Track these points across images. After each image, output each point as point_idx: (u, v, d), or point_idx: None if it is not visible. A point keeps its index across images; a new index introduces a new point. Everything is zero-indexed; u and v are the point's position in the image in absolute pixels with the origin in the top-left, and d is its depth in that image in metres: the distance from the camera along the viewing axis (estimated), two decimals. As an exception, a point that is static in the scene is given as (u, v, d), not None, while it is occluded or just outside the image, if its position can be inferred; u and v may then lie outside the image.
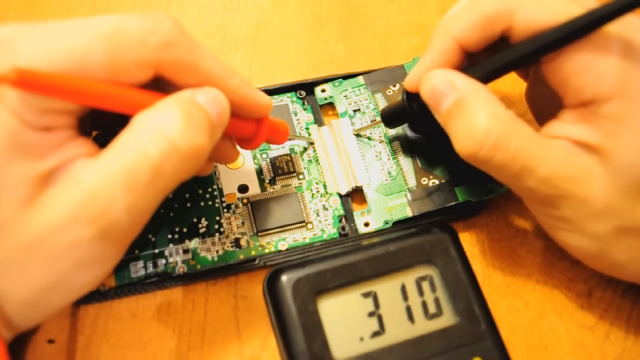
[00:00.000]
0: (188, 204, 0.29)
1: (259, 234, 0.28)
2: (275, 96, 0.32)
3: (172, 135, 0.20)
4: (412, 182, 0.30)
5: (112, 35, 0.20)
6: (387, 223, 0.29)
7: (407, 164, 0.30)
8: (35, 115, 0.20)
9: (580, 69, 0.23)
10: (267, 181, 0.30)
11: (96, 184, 0.19)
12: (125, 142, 0.20)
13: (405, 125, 0.31)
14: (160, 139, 0.20)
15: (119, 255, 0.21)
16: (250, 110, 0.25)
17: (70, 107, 0.21)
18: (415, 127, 0.31)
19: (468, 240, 0.30)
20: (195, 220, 0.28)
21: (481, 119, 0.23)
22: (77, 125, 0.22)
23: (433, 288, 0.26)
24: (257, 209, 0.29)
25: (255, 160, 0.30)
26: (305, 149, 0.31)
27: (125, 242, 0.21)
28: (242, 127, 0.25)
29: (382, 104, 0.32)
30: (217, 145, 0.25)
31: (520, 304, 0.28)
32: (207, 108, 0.22)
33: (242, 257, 0.28)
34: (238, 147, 0.27)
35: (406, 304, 0.26)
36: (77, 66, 0.20)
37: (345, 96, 0.32)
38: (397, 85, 0.32)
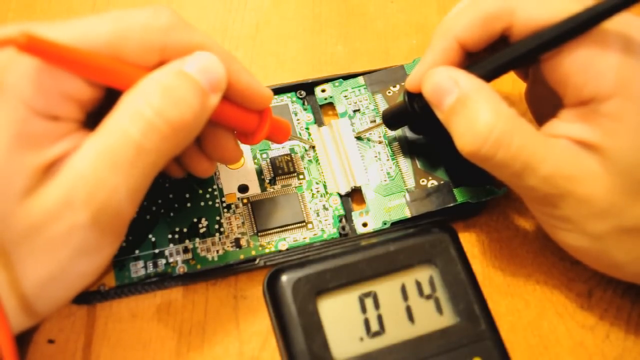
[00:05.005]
0: (188, 204, 0.29)
1: (259, 234, 0.28)
2: (275, 96, 0.32)
3: (148, 114, 0.20)
4: (411, 182, 0.30)
5: (117, 19, 0.21)
6: (385, 224, 0.29)
7: (406, 164, 0.30)
8: (45, 102, 0.20)
9: (580, 66, 0.23)
10: (267, 181, 0.30)
11: (83, 167, 0.20)
12: (107, 122, 0.20)
13: (406, 126, 0.31)
14: (138, 118, 0.20)
15: (116, 244, 0.22)
16: (251, 98, 0.25)
17: (79, 94, 0.21)
18: (416, 128, 0.31)
19: (468, 240, 0.30)
20: (195, 220, 0.28)
21: (484, 115, 0.23)
22: (83, 120, 0.22)
23: (433, 288, 0.26)
24: (257, 209, 0.29)
25: (256, 160, 0.30)
26: (306, 150, 0.31)
27: (120, 228, 0.21)
28: (245, 118, 0.25)
29: (382, 104, 0.32)
30: (219, 142, 0.26)
31: (520, 304, 0.28)
32: (197, 76, 0.22)
33: (242, 257, 0.28)
34: (240, 145, 0.27)
35: (406, 304, 0.26)
36: (82, 44, 0.20)
37: (345, 96, 0.32)
38: (397, 86, 0.32)
